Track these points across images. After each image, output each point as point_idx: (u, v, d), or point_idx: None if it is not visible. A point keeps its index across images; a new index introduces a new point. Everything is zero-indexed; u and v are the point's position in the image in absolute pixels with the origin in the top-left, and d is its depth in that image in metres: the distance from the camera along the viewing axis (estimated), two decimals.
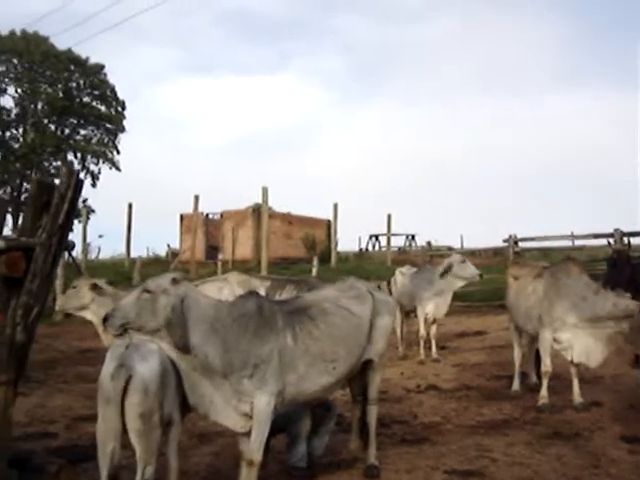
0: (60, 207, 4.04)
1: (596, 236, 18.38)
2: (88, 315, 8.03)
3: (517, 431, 7.36)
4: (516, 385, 9.28)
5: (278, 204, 33.28)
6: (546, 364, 8.38)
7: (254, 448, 5.10)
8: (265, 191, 25.22)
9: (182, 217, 35.65)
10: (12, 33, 36.72)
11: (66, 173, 4.12)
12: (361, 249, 37.72)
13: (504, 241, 20.26)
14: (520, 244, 20.16)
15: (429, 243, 24.71)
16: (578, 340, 8.19)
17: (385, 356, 6.28)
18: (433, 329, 12.33)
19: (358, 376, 6.05)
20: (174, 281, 4.91)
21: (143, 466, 4.29)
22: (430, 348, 12.22)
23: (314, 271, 20.96)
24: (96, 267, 27.59)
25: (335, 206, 30.81)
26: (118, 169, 39.74)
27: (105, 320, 4.80)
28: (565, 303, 8.22)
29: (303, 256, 31.01)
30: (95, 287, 7.90)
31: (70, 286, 8.01)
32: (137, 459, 4.31)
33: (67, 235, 4.17)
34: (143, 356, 4.45)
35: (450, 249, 26.84)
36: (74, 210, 4.12)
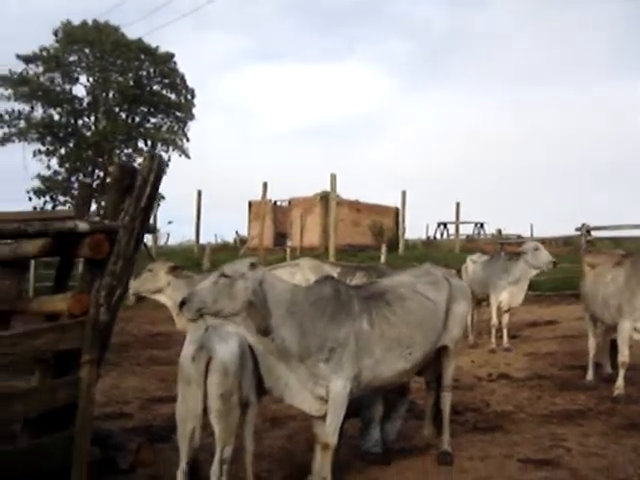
0: (143, 190, 4.10)
1: None
2: (162, 298, 8.10)
3: (592, 421, 7.24)
4: (590, 375, 9.12)
5: (346, 191, 33.24)
6: (624, 354, 8.21)
7: (329, 432, 5.12)
8: (333, 178, 25.24)
9: (250, 204, 35.82)
10: (84, 23, 37.29)
11: (148, 157, 4.19)
12: (429, 237, 37.49)
13: (576, 230, 19.86)
14: (592, 233, 19.74)
15: (499, 231, 24.44)
16: None
17: (460, 343, 6.25)
18: (505, 318, 12.17)
19: (432, 363, 6.03)
20: (252, 266, 4.94)
21: (222, 446, 4.35)
22: (501, 337, 12.09)
23: (382, 258, 20.91)
24: (165, 253, 27.96)
25: (403, 194, 30.66)
26: (187, 156, 40.11)
27: (182, 304, 4.84)
28: None
29: (370, 244, 30.93)
30: (174, 269, 7.97)
31: (145, 270, 8.08)
32: (216, 440, 4.36)
33: (149, 218, 4.23)
34: (222, 338, 4.49)
35: (519, 237, 26.46)
36: (156, 193, 4.18)
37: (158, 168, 4.15)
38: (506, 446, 6.39)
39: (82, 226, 3.95)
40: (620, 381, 8.18)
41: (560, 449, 6.28)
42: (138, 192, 4.10)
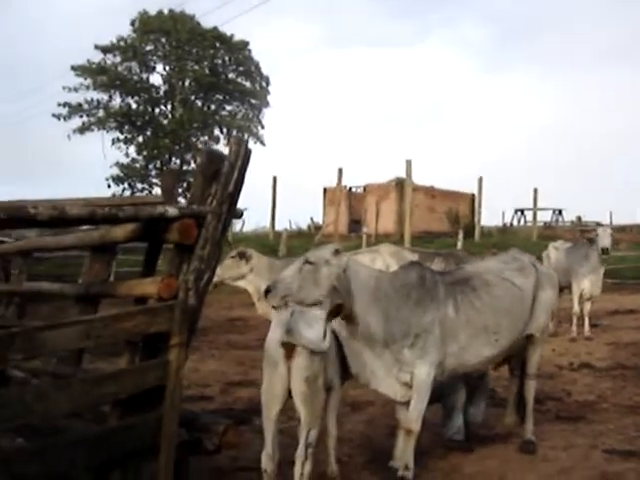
0: (230, 176, 4.12)
1: None
2: (245, 285, 8.16)
3: None
4: None
5: (421, 178, 33.01)
6: None
7: (413, 418, 5.11)
8: (408, 164, 25.09)
9: (325, 190, 35.87)
10: (160, 13, 37.80)
11: (236, 142, 4.21)
12: (505, 224, 36.96)
13: None
14: None
15: (579, 218, 23.96)
16: None
17: (546, 331, 6.16)
18: (587, 306, 11.97)
19: (517, 350, 5.96)
20: (336, 252, 4.94)
21: (307, 430, 4.38)
22: (582, 325, 11.89)
23: (458, 245, 20.75)
24: (241, 240, 28.19)
25: (480, 180, 30.34)
26: (263, 143, 40.41)
27: (267, 292, 4.87)
28: None
29: (446, 230, 30.67)
30: (242, 257, 8.02)
31: (228, 257, 8.15)
32: (301, 423, 4.40)
33: (236, 203, 4.26)
34: (308, 322, 4.51)
35: (599, 225, 25.94)
36: (243, 179, 4.20)
37: (245, 153, 4.17)
38: (590, 436, 6.29)
39: (172, 211, 4.00)
40: None
41: None
42: (225, 177, 4.13)
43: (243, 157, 4.17)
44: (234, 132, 39.18)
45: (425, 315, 5.09)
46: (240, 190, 4.24)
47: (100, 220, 3.99)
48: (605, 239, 11.47)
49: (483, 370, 5.80)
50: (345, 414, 6.92)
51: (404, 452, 5.18)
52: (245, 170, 4.20)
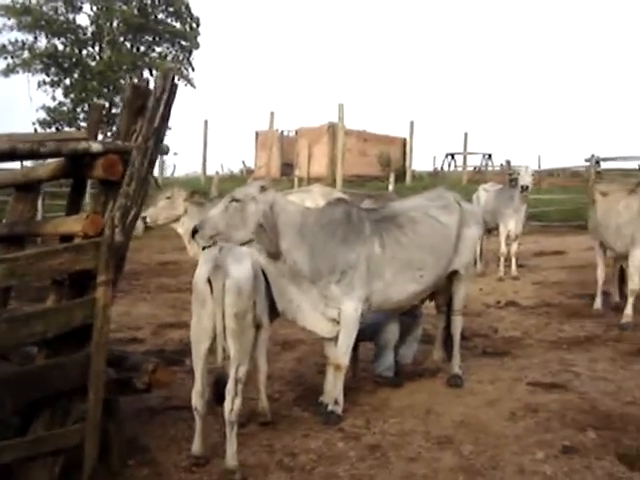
0: (156, 110, 4.03)
1: None
2: (178, 226, 8.06)
3: (600, 347, 7.31)
4: (598, 303, 9.16)
5: (353, 122, 33.02)
6: (635, 282, 8.24)
7: (341, 353, 5.19)
8: (340, 108, 25.07)
9: (257, 134, 35.63)
10: None
11: (161, 76, 4.12)
12: (436, 168, 37.27)
13: (586, 161, 19.77)
14: (602, 164, 19.66)
15: (508, 162, 24.23)
16: None
17: (471, 268, 6.27)
18: (514, 246, 12.20)
19: (444, 287, 6.06)
20: (262, 189, 4.92)
21: (236, 365, 4.38)
22: (509, 266, 12.14)
23: (390, 189, 20.87)
24: (172, 184, 27.86)
25: (411, 124, 30.51)
26: (193, 86, 39.72)
27: (195, 232, 4.84)
28: None
29: (378, 174, 30.80)
30: (192, 195, 7.91)
31: (162, 197, 8.02)
32: (231, 359, 4.40)
33: (163, 139, 4.18)
34: (237, 258, 4.49)
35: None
36: (169, 114, 4.12)
37: (171, 87, 4.08)
38: (515, 370, 6.46)
39: (95, 147, 3.90)
40: (629, 309, 8.24)
41: (569, 373, 6.35)
42: (151, 112, 4.04)
43: (169, 91, 4.08)
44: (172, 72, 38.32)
45: (351, 251, 5.13)
46: (166, 125, 4.17)
47: (22, 156, 3.89)
48: (526, 178, 11.65)
49: (409, 306, 5.88)
50: (276, 352, 6.98)
51: (333, 387, 5.26)
52: (171, 104, 4.11)
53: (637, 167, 11.28)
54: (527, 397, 5.71)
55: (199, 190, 9.21)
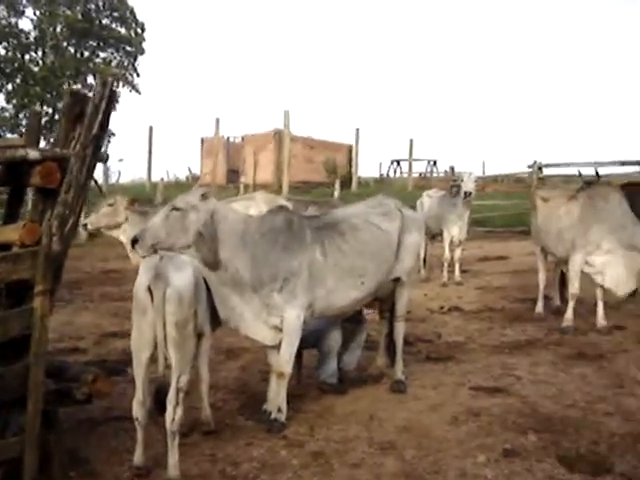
0: (94, 118, 3.99)
1: (623, 163, 18.12)
2: (119, 234, 7.96)
3: (541, 351, 7.41)
4: (540, 308, 9.30)
5: (299, 128, 33.09)
6: (574, 286, 8.38)
7: (284, 361, 5.19)
8: (286, 115, 25.07)
9: (203, 140, 35.49)
10: None
11: (100, 83, 4.08)
12: (382, 174, 37.50)
13: (528, 167, 20.09)
14: (544, 170, 19.99)
15: (452, 168, 24.56)
16: (611, 266, 8.17)
17: (413, 274, 6.32)
18: (457, 252, 12.32)
19: (386, 293, 6.10)
20: (203, 197, 4.90)
21: (178, 375, 4.36)
22: (453, 271, 12.26)
23: (335, 195, 20.94)
24: (117, 191, 27.58)
25: (357, 131, 30.63)
26: (138, 92, 39.41)
27: (134, 241, 4.79)
28: (602, 227, 8.16)
29: (324, 180, 30.91)
30: (132, 203, 7.83)
31: (104, 204, 7.94)
32: (172, 369, 4.38)
33: (101, 146, 4.15)
34: (177, 267, 4.47)
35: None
36: (108, 121, 4.08)
37: (110, 94, 4.05)
38: (458, 375, 6.53)
39: (33, 154, 3.85)
40: (569, 313, 8.37)
41: (510, 377, 6.43)
42: (89, 120, 4.00)
43: (108, 98, 4.04)
44: (111, 80, 37.96)
45: (293, 259, 5.14)
46: (105, 132, 4.13)
47: None
48: (469, 184, 11.78)
49: (351, 312, 5.91)
50: (220, 361, 6.96)
51: (277, 395, 5.26)
52: (110, 112, 4.08)
53: (577, 173, 11.51)
54: (469, 401, 5.78)
55: (139, 198, 9.12)
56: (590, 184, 9.00)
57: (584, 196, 8.55)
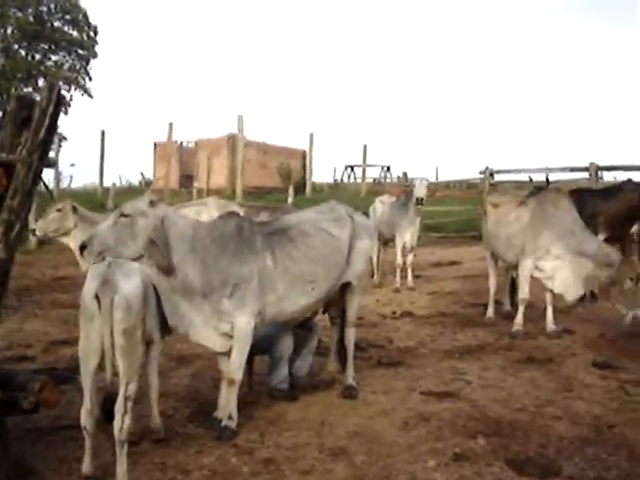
0: (41, 122, 3.95)
1: (572, 169, 18.43)
2: (68, 240, 7.86)
3: (491, 356, 7.48)
4: (490, 312, 9.41)
5: (253, 133, 33.06)
6: (524, 291, 8.48)
7: (234, 367, 5.16)
8: (240, 119, 25.00)
9: (156, 145, 35.23)
10: None
11: (47, 87, 4.04)
12: (336, 180, 37.62)
13: (480, 173, 20.31)
14: (496, 177, 20.23)
15: (405, 174, 24.71)
16: (560, 271, 8.29)
17: (364, 279, 6.34)
18: (410, 258, 12.40)
19: (337, 299, 6.11)
20: (152, 203, 4.86)
21: (126, 383, 4.31)
22: (406, 277, 12.33)
23: (289, 200, 20.95)
24: (68, 196, 27.23)
25: (311, 136, 30.64)
26: (90, 96, 38.99)
27: (82, 248, 4.74)
28: (552, 233, 8.28)
29: (278, 186, 30.92)
30: (75, 210, 7.74)
31: (52, 210, 7.83)
32: (120, 377, 4.33)
33: (48, 152, 4.10)
34: (126, 273, 4.43)
35: (427, 180, 26.79)
36: (55, 126, 4.04)
37: (57, 98, 4.00)
38: (409, 380, 6.56)
39: None
40: (519, 317, 8.47)
41: (460, 382, 6.48)
42: (36, 124, 3.96)
43: (55, 103, 4.00)
44: (60, 83, 37.59)
45: (243, 265, 5.12)
46: (52, 137, 4.08)
47: None
48: (420, 190, 11.87)
49: (302, 318, 5.91)
50: (171, 368, 6.90)
51: (227, 402, 5.23)
52: (58, 116, 4.04)
53: (528, 179, 11.67)
54: (420, 406, 5.81)
55: (86, 203, 9.03)
56: (540, 190, 9.11)
57: (533, 202, 8.66)
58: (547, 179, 11.74)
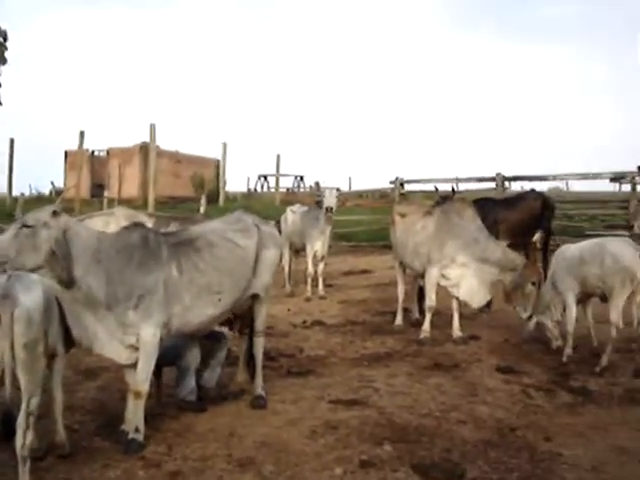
0: None
1: (480, 179, 18.81)
2: None
3: (399, 363, 7.60)
4: (399, 320, 9.56)
5: (166, 142, 32.75)
6: (431, 299, 8.65)
7: (140, 380, 5.11)
8: (152, 128, 24.71)
9: (67, 154, 34.58)
10: None
11: None
12: (249, 189, 37.61)
13: (391, 182, 20.58)
14: (406, 186, 20.51)
15: (317, 184, 24.85)
16: (465, 279, 8.49)
17: (271, 289, 6.37)
18: (321, 266, 12.48)
19: (245, 309, 6.13)
20: (54, 214, 4.77)
21: (28, 398, 4.23)
22: (317, 286, 12.41)
23: (202, 210, 20.79)
24: None
25: (224, 145, 30.55)
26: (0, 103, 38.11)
27: None
28: (457, 242, 8.49)
29: (191, 195, 30.75)
30: None
31: None
32: (22, 391, 4.25)
33: None
34: (26, 286, 4.35)
35: (338, 190, 27.01)
36: None
37: None
38: (318, 388, 6.60)
39: None
40: (426, 324, 8.64)
41: (369, 389, 6.57)
42: None
43: None
44: None
45: (148, 276, 5.08)
46: None
47: None
48: (330, 199, 11.98)
49: (209, 329, 5.89)
50: (78, 381, 6.79)
51: (134, 415, 5.18)
52: None
53: (434, 189, 11.93)
54: (328, 414, 5.86)
55: None
56: (445, 199, 9.30)
57: (439, 212, 8.85)
58: (453, 189, 11.95)
